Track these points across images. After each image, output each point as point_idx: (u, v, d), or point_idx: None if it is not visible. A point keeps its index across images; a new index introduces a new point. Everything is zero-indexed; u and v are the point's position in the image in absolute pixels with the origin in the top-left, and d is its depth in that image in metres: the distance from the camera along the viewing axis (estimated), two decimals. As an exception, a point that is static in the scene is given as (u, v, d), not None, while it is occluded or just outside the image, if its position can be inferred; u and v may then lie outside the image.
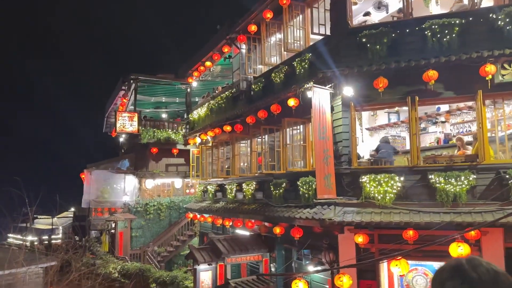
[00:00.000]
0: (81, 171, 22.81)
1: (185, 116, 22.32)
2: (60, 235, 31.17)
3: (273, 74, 11.35)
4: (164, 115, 26.46)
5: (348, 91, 8.98)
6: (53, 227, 30.61)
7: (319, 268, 9.22)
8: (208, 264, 10.09)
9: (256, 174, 12.47)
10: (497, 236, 7.53)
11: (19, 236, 24.79)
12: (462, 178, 7.80)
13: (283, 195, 10.52)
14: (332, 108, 9.28)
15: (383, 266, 8.52)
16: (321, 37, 10.37)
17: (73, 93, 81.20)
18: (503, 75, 8.07)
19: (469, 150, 9.18)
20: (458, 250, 7.08)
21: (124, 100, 24.18)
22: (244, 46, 13.56)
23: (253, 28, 12.77)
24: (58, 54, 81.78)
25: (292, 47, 11.29)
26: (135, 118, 21.48)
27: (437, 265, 8.61)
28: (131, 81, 21.81)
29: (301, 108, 9.96)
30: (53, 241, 25.56)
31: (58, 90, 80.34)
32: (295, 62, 10.44)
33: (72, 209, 31.46)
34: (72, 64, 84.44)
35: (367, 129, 13.71)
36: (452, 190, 7.81)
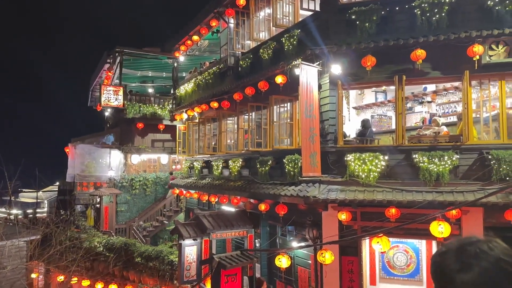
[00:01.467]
0: (66, 145, 22.53)
1: (172, 91, 22.01)
2: (45, 209, 31.00)
3: (261, 50, 11.18)
4: (150, 90, 26.02)
5: (336, 69, 8.91)
6: (38, 201, 30.39)
7: (302, 244, 9.35)
8: (194, 239, 10.14)
9: (243, 151, 12.44)
10: (477, 215, 7.69)
11: (3, 209, 24.58)
12: (446, 158, 7.89)
13: (268, 173, 10.55)
14: (319, 86, 9.21)
15: (365, 243, 8.68)
16: (310, 13, 10.20)
17: (57, 65, 79.31)
18: (490, 56, 8.07)
19: (443, 131, 9.28)
20: (439, 228, 7.23)
21: (109, 74, 23.64)
22: (232, 21, 13.28)
23: (241, 1, 12.46)
24: (42, 26, 79.33)
25: (281, 23, 11.09)
26: (121, 92, 21.07)
27: (417, 242, 8.81)
28: (116, 54, 21.27)
29: (289, 85, 9.87)
30: (38, 215, 25.40)
31: (42, 62, 78.40)
32: (283, 38, 10.27)
33: (57, 183, 31.21)
34: (56, 35, 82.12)
35: (354, 108, 13.71)
36: (435, 169, 7.91)
